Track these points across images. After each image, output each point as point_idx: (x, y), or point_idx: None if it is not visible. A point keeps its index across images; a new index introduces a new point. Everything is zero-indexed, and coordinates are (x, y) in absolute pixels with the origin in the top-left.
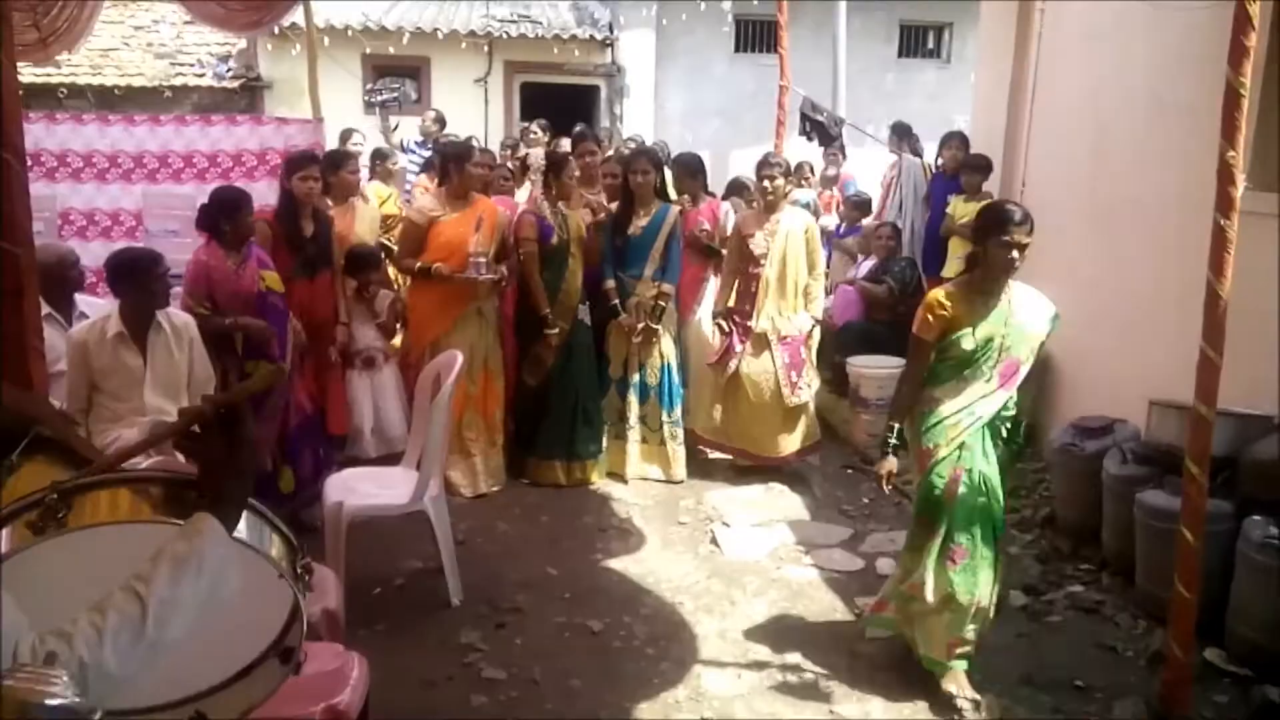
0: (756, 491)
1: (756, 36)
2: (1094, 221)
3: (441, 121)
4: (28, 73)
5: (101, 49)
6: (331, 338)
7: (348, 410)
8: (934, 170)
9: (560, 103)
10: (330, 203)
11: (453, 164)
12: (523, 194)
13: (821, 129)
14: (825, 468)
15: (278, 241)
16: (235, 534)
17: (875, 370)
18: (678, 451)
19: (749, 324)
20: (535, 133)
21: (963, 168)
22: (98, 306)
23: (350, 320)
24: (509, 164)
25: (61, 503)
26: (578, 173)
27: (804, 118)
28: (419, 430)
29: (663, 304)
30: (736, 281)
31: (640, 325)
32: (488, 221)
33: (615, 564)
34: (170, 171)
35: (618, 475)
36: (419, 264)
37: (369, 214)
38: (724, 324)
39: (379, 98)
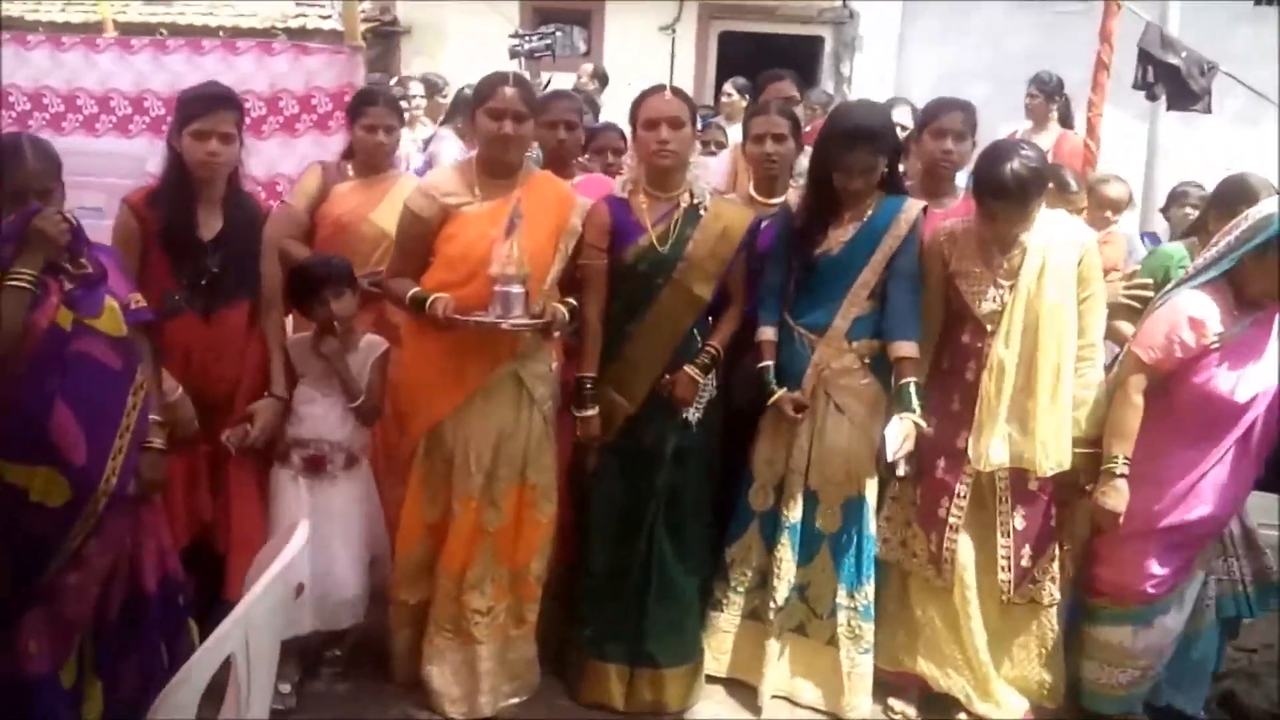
0: None
1: None
2: None
3: (602, 78)
4: (132, 10)
5: None
6: (241, 418)
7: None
8: None
9: (769, 59)
10: (351, 173)
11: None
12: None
13: (1176, 79)
14: None
15: (149, 244)
16: None
17: None
18: (859, 664)
19: (958, 447)
20: (730, 95)
21: None
22: None
23: (290, 390)
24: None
25: None
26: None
27: (1146, 58)
28: None
29: (865, 381)
30: (942, 360)
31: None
32: (533, 217)
33: None
34: (114, 120)
35: (743, 683)
36: (413, 291)
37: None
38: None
39: (525, 46)
